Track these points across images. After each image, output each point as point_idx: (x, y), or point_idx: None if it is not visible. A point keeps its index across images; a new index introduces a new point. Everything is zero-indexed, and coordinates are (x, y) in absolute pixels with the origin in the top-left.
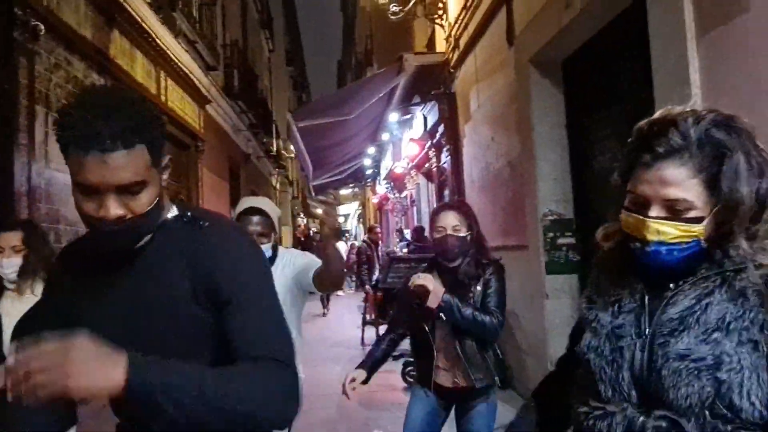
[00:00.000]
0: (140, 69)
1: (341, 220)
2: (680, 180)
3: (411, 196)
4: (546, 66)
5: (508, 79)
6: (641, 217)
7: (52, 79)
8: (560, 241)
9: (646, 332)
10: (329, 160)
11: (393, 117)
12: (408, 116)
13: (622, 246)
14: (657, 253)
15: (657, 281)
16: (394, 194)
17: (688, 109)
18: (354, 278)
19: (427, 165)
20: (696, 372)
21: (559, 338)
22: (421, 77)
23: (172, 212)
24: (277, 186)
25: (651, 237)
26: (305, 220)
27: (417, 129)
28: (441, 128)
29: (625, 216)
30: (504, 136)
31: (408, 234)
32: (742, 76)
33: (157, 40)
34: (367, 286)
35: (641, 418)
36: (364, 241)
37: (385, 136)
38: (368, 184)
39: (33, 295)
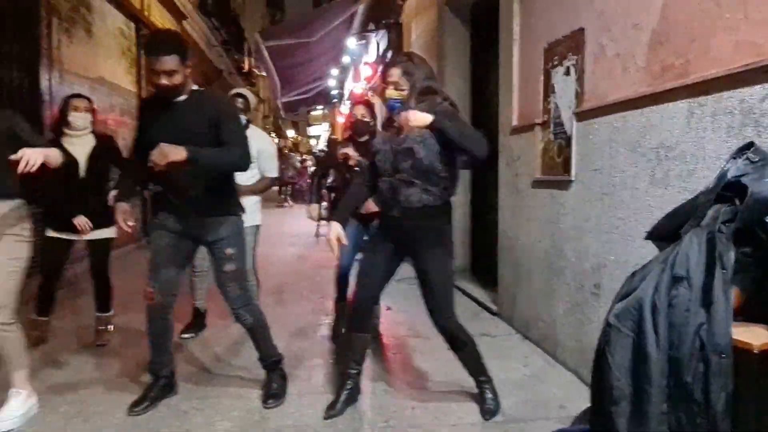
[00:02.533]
0: None
1: (312, 142)
2: (397, 76)
3: None
4: (458, 8)
5: (433, 17)
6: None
7: None
8: None
9: (395, 146)
10: (295, 78)
11: (351, 42)
12: (364, 41)
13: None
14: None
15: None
16: None
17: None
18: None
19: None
20: (409, 155)
21: None
22: (376, 6)
23: (194, 88)
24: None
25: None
26: (277, 141)
27: (372, 54)
28: (389, 55)
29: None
30: (430, 64)
31: None
32: (543, 22)
33: None
34: (323, 190)
35: (394, 178)
36: (322, 150)
37: (345, 59)
38: (335, 104)
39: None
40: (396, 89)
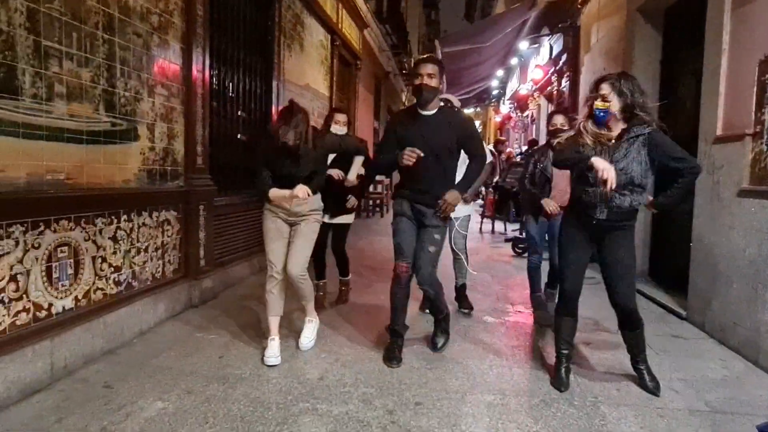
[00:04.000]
0: (328, 4)
1: None
2: (607, 90)
3: (532, 116)
4: (650, 13)
5: (620, 21)
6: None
7: (286, 16)
8: None
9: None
10: (461, 81)
11: (523, 45)
12: (536, 45)
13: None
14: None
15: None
16: (517, 113)
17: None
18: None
19: (549, 88)
20: (624, 174)
21: None
22: (551, 11)
23: (440, 104)
24: (406, 102)
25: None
26: None
27: (543, 56)
28: (564, 57)
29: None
30: (613, 67)
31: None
32: (759, 35)
33: None
34: (486, 190)
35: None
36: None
37: (513, 62)
38: (492, 104)
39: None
40: (603, 101)
